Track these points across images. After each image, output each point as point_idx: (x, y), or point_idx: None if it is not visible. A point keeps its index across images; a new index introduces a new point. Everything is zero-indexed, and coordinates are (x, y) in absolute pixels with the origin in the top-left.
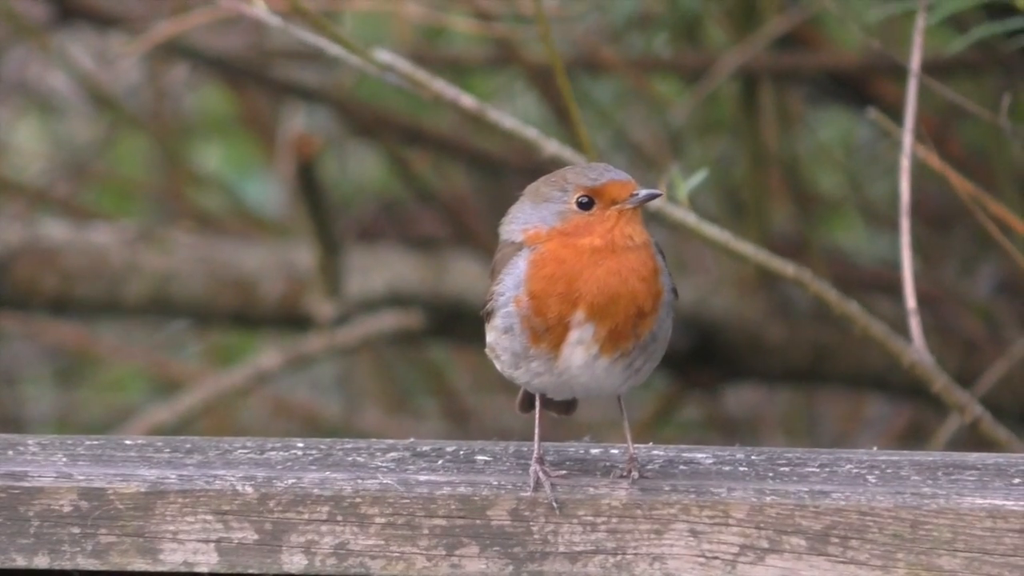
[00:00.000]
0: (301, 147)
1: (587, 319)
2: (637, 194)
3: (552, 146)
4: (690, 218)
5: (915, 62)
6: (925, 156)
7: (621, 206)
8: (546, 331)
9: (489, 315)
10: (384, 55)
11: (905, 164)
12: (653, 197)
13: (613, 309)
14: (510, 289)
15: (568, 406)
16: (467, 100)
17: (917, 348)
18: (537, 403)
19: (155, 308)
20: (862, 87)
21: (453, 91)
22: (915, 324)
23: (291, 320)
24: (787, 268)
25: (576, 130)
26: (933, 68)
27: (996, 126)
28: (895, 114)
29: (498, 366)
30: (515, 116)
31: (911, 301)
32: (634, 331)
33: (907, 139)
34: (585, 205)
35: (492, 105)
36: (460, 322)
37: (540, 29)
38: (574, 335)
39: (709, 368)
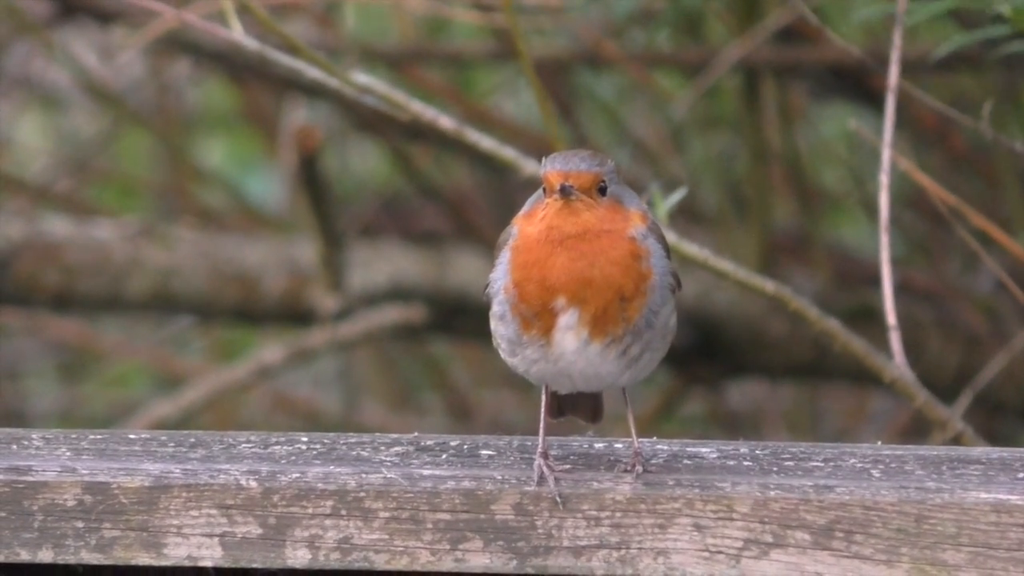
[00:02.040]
0: (303, 139)
1: (569, 304)
2: (563, 187)
3: (530, 166)
4: (669, 236)
5: (893, 77)
6: (907, 168)
7: (554, 197)
8: (534, 317)
9: (488, 303)
10: (361, 77)
11: (884, 180)
12: (567, 192)
13: (590, 293)
14: (500, 277)
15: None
16: (445, 121)
17: (898, 364)
18: (542, 399)
19: (157, 304)
20: (864, 81)
21: (431, 112)
22: (895, 340)
23: (293, 315)
24: (767, 285)
25: (550, 128)
26: (931, 63)
27: (979, 131)
28: (897, 107)
29: (502, 356)
30: (518, 110)
31: (891, 317)
32: (622, 315)
33: (885, 154)
34: (545, 191)
35: (495, 99)
36: (462, 317)
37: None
38: (562, 320)
39: (712, 363)
